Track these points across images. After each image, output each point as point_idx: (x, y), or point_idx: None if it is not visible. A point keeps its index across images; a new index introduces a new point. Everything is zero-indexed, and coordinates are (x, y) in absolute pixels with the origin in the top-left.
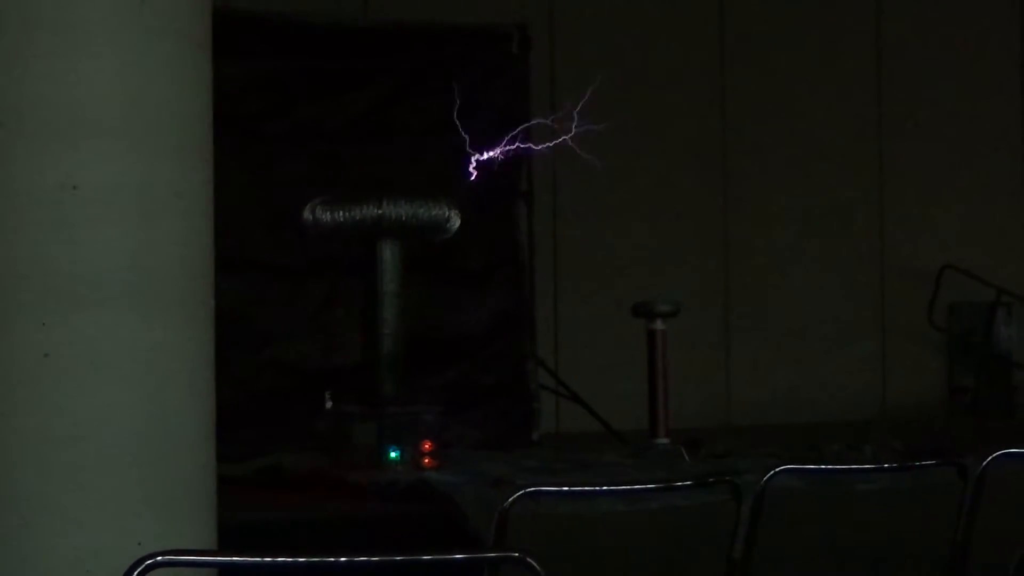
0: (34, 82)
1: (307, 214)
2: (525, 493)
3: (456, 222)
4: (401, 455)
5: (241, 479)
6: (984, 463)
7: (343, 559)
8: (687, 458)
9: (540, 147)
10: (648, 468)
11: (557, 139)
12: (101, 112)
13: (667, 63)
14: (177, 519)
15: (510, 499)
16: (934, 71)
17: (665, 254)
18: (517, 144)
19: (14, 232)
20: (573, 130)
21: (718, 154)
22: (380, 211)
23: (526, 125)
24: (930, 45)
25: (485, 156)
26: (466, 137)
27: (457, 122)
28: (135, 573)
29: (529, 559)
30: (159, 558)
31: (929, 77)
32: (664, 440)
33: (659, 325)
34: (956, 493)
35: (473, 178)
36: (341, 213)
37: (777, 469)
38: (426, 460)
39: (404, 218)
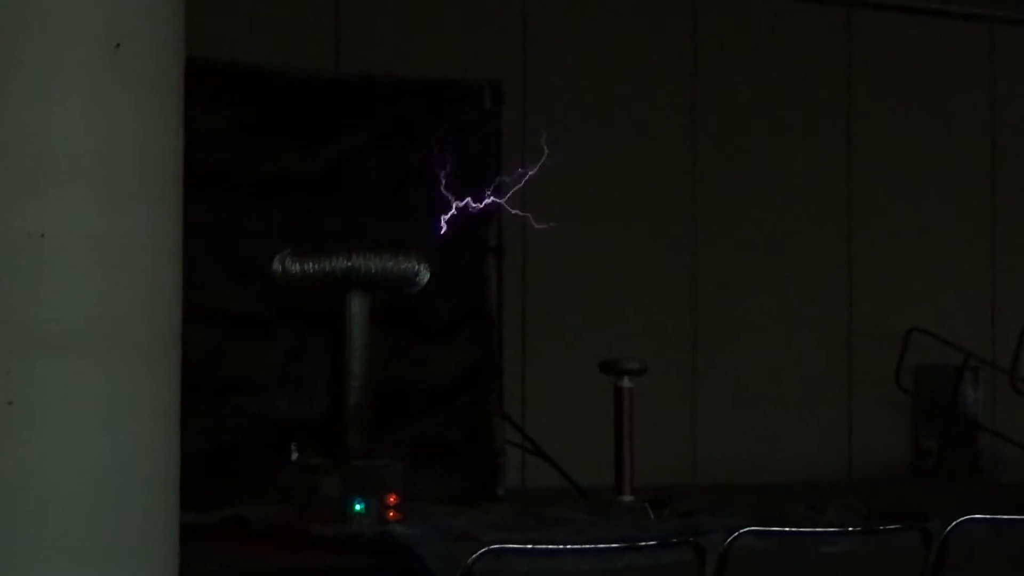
0: (3, 128)
1: (276, 265)
2: (489, 550)
3: (425, 276)
4: (366, 508)
5: (205, 529)
6: (948, 528)
7: None
8: (652, 516)
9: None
10: (613, 525)
11: (515, 187)
12: (70, 160)
13: (639, 124)
14: (139, 568)
15: (474, 555)
16: (904, 134)
17: (634, 312)
18: (488, 198)
19: None
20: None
21: (688, 214)
22: (349, 263)
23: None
24: (901, 107)
25: (455, 210)
26: (436, 191)
27: (428, 176)
28: None
29: None
30: None
31: (899, 140)
32: (629, 497)
33: (626, 383)
34: (920, 557)
35: (443, 232)
36: (310, 264)
37: (742, 530)
38: (391, 513)
39: (373, 271)
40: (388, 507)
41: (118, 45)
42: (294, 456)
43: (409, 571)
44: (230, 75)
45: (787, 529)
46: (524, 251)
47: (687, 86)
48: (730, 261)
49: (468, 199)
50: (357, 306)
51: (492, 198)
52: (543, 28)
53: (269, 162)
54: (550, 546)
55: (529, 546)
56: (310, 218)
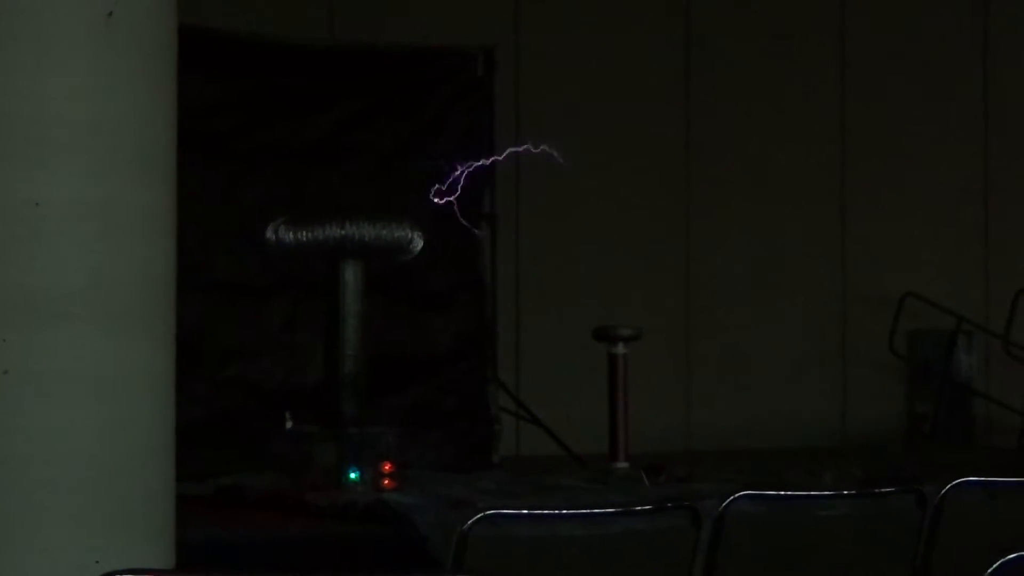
0: None
1: (270, 233)
2: (485, 516)
3: (419, 244)
4: (361, 476)
5: (201, 497)
6: (943, 491)
7: None
8: (647, 482)
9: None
10: (608, 492)
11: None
12: (65, 129)
13: (632, 90)
14: (136, 537)
15: (469, 522)
16: (898, 100)
17: (628, 279)
18: (481, 165)
19: None
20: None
21: (681, 179)
22: (343, 232)
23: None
24: (895, 75)
25: (449, 178)
26: (430, 159)
27: (422, 144)
28: None
29: None
30: None
31: (893, 106)
32: (624, 464)
33: (620, 349)
34: (915, 520)
35: (437, 200)
36: (304, 233)
37: (737, 495)
38: (386, 481)
39: (367, 239)
40: (383, 475)
41: (111, 13)
42: (289, 425)
43: (405, 538)
44: (224, 44)
45: (782, 493)
46: (517, 218)
47: (680, 54)
48: (723, 227)
49: (462, 167)
50: (351, 274)
51: (486, 165)
52: None
53: (263, 131)
54: (545, 511)
55: (524, 511)
56: (304, 187)
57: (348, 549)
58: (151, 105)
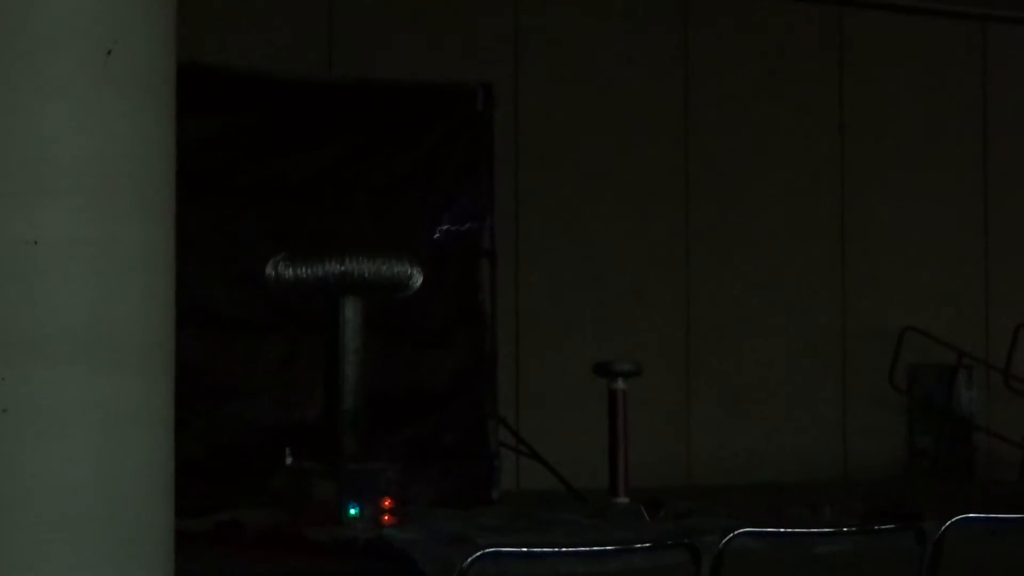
0: None
1: (269, 269)
2: (485, 553)
3: (419, 279)
4: (360, 512)
5: (200, 534)
6: (943, 527)
7: None
8: (647, 518)
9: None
10: (608, 528)
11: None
12: (62, 167)
13: (631, 123)
14: (136, 573)
15: (469, 559)
16: (896, 134)
17: (627, 314)
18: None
19: None
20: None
21: (681, 215)
22: (343, 267)
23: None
24: (894, 109)
25: (448, 214)
26: (429, 194)
27: (421, 179)
28: None
29: None
30: None
31: (893, 140)
32: (624, 499)
33: (620, 385)
34: (915, 556)
35: (436, 235)
36: (304, 269)
37: (737, 532)
38: (385, 517)
39: (367, 275)
40: (383, 511)
41: (110, 51)
42: (288, 460)
43: (404, 574)
44: (222, 80)
45: (782, 530)
46: (516, 254)
47: (679, 87)
48: (723, 261)
49: (461, 202)
50: (351, 310)
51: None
52: (534, 31)
53: (262, 167)
54: (545, 549)
55: (524, 549)
56: (303, 223)
57: None
58: (150, 142)
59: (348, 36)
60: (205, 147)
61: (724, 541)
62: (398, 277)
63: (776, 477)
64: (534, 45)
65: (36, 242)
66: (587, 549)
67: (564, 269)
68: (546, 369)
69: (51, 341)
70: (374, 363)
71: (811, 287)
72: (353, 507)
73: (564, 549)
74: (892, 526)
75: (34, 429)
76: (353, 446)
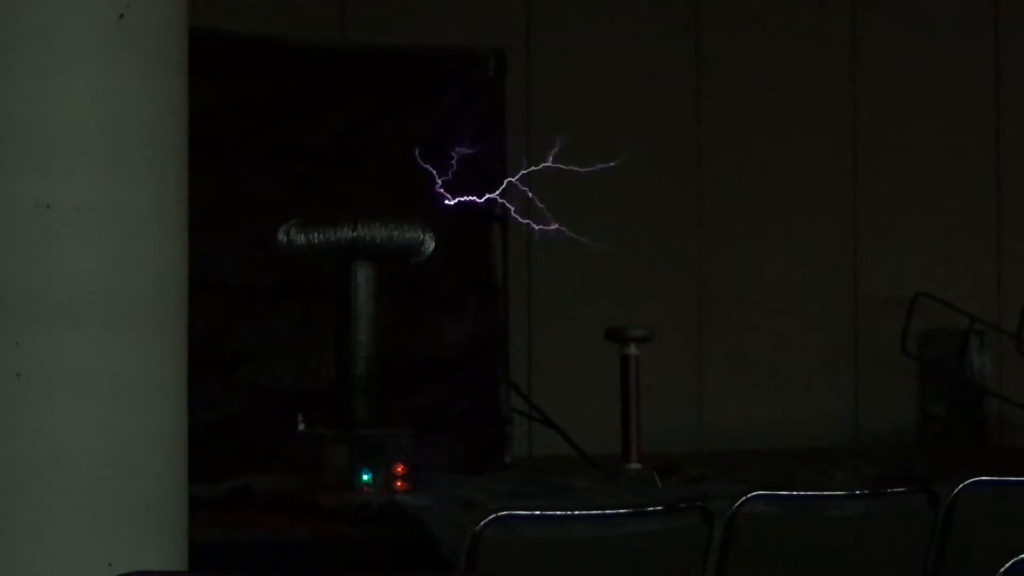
0: (7, 100)
1: (281, 235)
2: (497, 517)
3: (431, 245)
4: (373, 478)
5: (212, 500)
6: (955, 490)
7: None
8: (659, 483)
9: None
10: (620, 493)
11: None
12: (75, 130)
13: (643, 90)
14: (149, 539)
15: (482, 523)
16: (909, 100)
17: (640, 280)
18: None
19: None
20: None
21: (693, 181)
22: (355, 233)
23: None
24: (906, 73)
25: (459, 180)
26: (441, 161)
27: (432, 145)
28: None
29: None
30: None
31: (904, 107)
32: (636, 465)
33: (632, 350)
34: (927, 520)
35: (448, 201)
36: (316, 235)
37: (748, 495)
38: (398, 483)
39: (379, 240)
40: (395, 477)
41: (122, 15)
42: (301, 427)
43: (417, 540)
44: (233, 46)
45: (794, 493)
46: (528, 219)
47: (692, 51)
48: (735, 227)
49: (472, 168)
50: (363, 276)
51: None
52: None
53: (274, 132)
54: (557, 512)
55: (537, 513)
56: (315, 189)
57: (360, 551)
58: (162, 106)
59: (359, 1)
60: (217, 112)
61: (736, 504)
62: (410, 243)
63: (788, 443)
64: (546, 10)
65: (48, 206)
66: (599, 513)
67: (576, 234)
68: (558, 335)
69: (64, 305)
70: (386, 329)
71: (823, 253)
72: (366, 473)
73: (576, 513)
74: (904, 489)
75: (46, 394)
76: (365, 412)
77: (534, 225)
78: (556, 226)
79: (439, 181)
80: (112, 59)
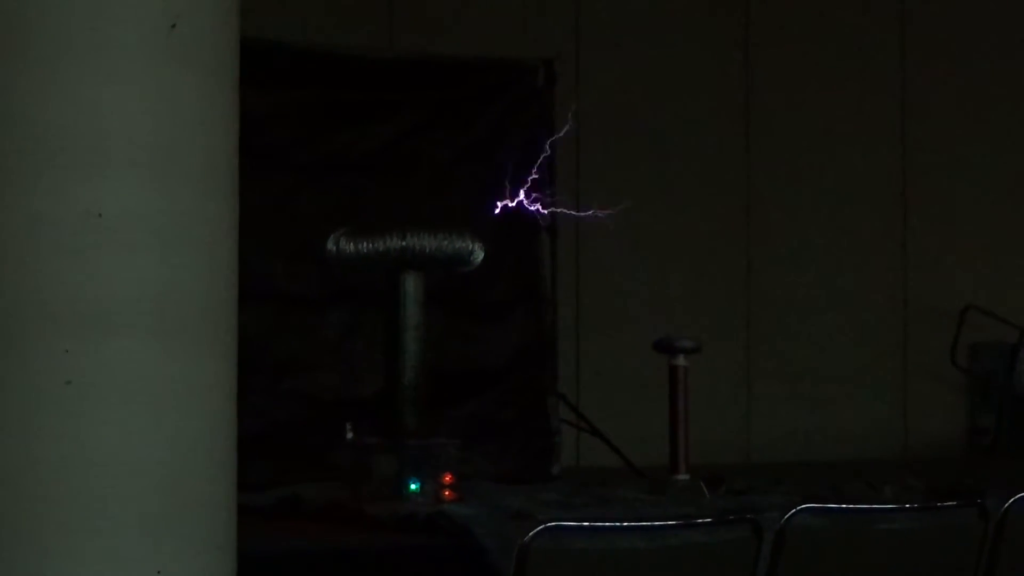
0: (60, 109)
1: (331, 245)
2: (545, 528)
3: (480, 255)
4: (421, 487)
5: (260, 509)
6: (1006, 504)
7: None
8: (707, 494)
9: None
10: (668, 504)
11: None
12: (127, 140)
13: (692, 103)
14: (197, 547)
15: (530, 533)
16: (959, 112)
17: (688, 291)
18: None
19: (38, 259)
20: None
21: (742, 192)
22: (404, 243)
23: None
24: (955, 88)
25: (508, 190)
26: (490, 170)
27: (481, 155)
28: None
29: None
30: None
31: (954, 119)
32: (684, 476)
33: (681, 361)
34: (977, 534)
35: (497, 211)
36: (365, 244)
37: (798, 508)
38: (446, 493)
39: (428, 250)
40: (443, 486)
41: (174, 25)
42: (349, 436)
43: (464, 550)
44: (283, 56)
45: (844, 506)
46: (577, 230)
47: (741, 60)
48: (784, 239)
49: (521, 178)
50: (411, 285)
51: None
52: (596, 6)
53: (322, 142)
54: (606, 524)
55: (585, 523)
56: (364, 198)
57: (408, 561)
58: (213, 117)
59: (408, 11)
60: (266, 122)
61: (786, 517)
62: (459, 252)
63: (836, 455)
64: (596, 20)
65: (100, 215)
66: (647, 524)
67: (624, 245)
68: (606, 345)
69: (115, 314)
70: (434, 339)
71: (872, 265)
72: (414, 482)
73: (624, 524)
74: (954, 503)
75: (97, 402)
76: (413, 421)
77: (582, 234)
78: (604, 236)
79: (488, 191)
80: (163, 69)
